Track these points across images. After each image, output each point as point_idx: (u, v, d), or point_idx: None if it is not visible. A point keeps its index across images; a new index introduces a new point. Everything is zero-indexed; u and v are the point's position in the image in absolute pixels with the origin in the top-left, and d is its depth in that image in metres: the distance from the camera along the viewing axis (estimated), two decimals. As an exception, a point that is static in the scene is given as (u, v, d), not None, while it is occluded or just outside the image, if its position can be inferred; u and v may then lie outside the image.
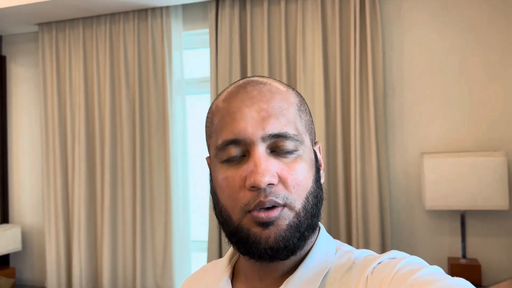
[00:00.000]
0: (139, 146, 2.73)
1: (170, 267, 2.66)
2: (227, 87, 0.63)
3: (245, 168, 0.56)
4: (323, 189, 0.62)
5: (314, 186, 0.59)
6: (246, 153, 0.57)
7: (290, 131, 0.57)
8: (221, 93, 0.62)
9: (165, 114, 2.70)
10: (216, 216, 0.61)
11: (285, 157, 0.57)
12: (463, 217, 2.20)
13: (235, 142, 0.56)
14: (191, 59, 2.92)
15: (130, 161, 2.77)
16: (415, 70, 2.41)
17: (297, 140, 0.57)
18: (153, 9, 2.75)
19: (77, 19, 2.94)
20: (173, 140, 2.69)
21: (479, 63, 2.33)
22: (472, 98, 2.33)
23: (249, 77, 0.63)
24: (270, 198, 0.54)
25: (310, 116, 0.64)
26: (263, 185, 0.53)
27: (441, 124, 2.37)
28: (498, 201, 2.05)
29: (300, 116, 0.60)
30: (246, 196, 0.55)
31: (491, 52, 2.32)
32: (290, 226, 0.55)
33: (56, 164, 2.92)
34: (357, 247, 2.29)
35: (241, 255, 0.64)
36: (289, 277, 0.58)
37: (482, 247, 2.31)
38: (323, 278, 0.59)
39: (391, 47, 2.45)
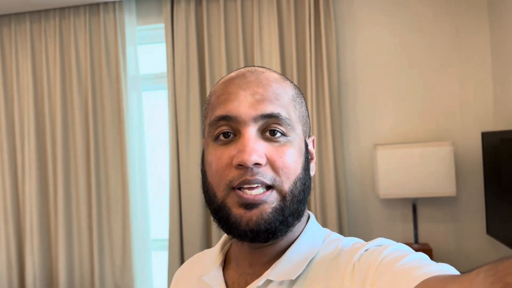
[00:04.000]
0: (93, 144, 2.65)
1: (129, 267, 2.61)
2: (229, 73, 0.65)
3: (234, 147, 0.56)
4: (312, 180, 0.63)
5: (303, 173, 0.59)
6: (237, 133, 0.57)
7: (282, 113, 0.57)
8: (221, 78, 0.64)
9: (120, 111, 2.64)
10: (203, 195, 0.61)
11: (276, 141, 0.57)
12: (414, 205, 2.31)
13: (226, 118, 0.57)
14: (146, 55, 2.87)
15: (84, 160, 2.69)
16: (367, 65, 2.50)
17: (289, 125, 0.58)
18: (106, 3, 2.68)
19: (24, 13, 2.81)
20: (129, 137, 2.64)
21: (427, 58, 2.45)
22: (421, 92, 2.45)
23: (251, 66, 0.64)
24: (256, 177, 0.55)
25: (307, 110, 0.65)
26: (249, 163, 0.54)
27: (392, 117, 2.48)
28: (446, 188, 2.16)
29: (295, 106, 0.61)
30: (232, 173, 0.56)
31: (438, 48, 2.44)
32: (275, 209, 0.56)
33: (4, 165, 2.78)
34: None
35: (232, 243, 0.67)
36: (276, 262, 0.59)
37: (432, 232, 2.44)
38: (309, 263, 0.59)
39: (345, 44, 2.52)
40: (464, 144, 2.40)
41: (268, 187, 0.56)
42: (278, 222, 0.56)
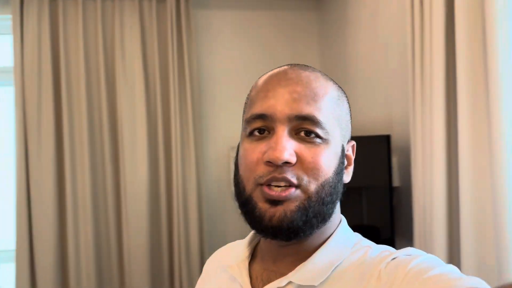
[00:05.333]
0: None
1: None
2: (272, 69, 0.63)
3: (267, 144, 0.57)
4: (344, 187, 0.61)
5: (334, 177, 0.58)
6: (271, 130, 0.58)
7: (318, 116, 0.57)
8: (264, 73, 0.64)
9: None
10: (234, 187, 0.62)
11: (308, 142, 0.57)
12: None
13: (262, 116, 0.58)
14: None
15: None
16: (223, 76, 2.76)
17: (324, 128, 0.57)
18: None
19: None
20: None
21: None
22: None
23: (295, 63, 0.64)
24: (284, 175, 0.55)
25: (349, 113, 0.64)
26: (279, 161, 0.54)
27: None
28: None
29: (334, 108, 0.60)
30: (261, 169, 0.56)
31: (276, 64, 2.80)
32: (298, 207, 0.56)
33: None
34: (178, 231, 2.51)
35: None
36: (301, 264, 0.59)
37: None
38: (334, 269, 0.58)
39: (204, 54, 2.73)
40: None
41: (295, 186, 0.56)
42: (301, 222, 0.56)
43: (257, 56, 2.79)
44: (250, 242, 0.68)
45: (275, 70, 0.62)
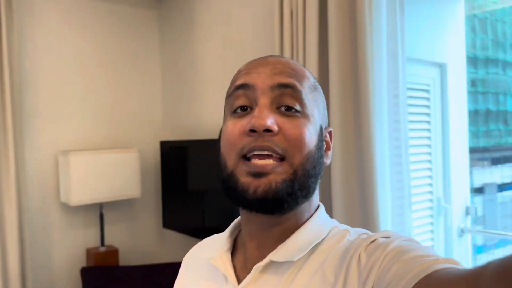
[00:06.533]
0: None
1: None
2: None
3: (249, 118, 0.57)
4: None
5: (316, 151, 0.59)
6: (254, 104, 0.58)
7: (299, 87, 0.59)
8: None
9: None
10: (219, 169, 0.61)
11: (290, 115, 0.58)
12: (101, 209, 2.40)
13: (243, 86, 0.59)
14: None
15: None
16: (49, 70, 2.38)
17: (303, 102, 0.58)
18: None
19: None
20: None
21: (103, 70, 2.56)
22: (103, 101, 2.54)
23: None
24: (267, 144, 0.55)
25: (324, 102, 0.66)
26: (261, 127, 0.54)
27: (78, 124, 2.46)
28: (132, 191, 2.39)
29: (312, 90, 0.62)
30: (243, 141, 0.56)
31: (119, 62, 2.60)
32: (284, 180, 0.55)
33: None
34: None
35: (241, 226, 0.67)
36: (281, 244, 0.60)
37: (119, 234, 2.58)
38: (313, 248, 0.60)
39: (26, 42, 2.31)
40: (147, 150, 2.68)
41: (279, 159, 0.56)
42: (286, 194, 0.56)
43: (90, 49, 2.50)
44: (231, 235, 0.69)
45: (255, 58, 0.64)
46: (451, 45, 1.88)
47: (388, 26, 1.43)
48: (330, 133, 0.67)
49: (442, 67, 1.85)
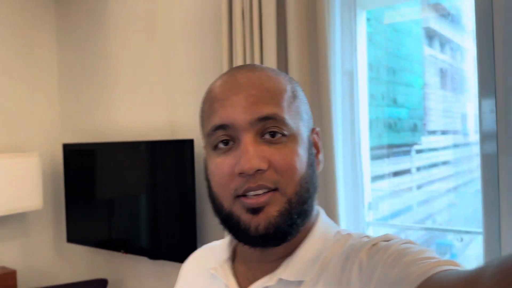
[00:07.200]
0: None
1: None
2: (219, 77, 0.62)
3: (234, 155, 0.55)
4: (319, 176, 0.62)
5: (308, 171, 0.58)
6: (236, 139, 0.56)
7: (280, 113, 0.56)
8: (212, 82, 0.61)
9: None
10: (211, 204, 0.60)
11: (276, 142, 0.56)
12: None
13: (223, 127, 0.56)
14: None
15: None
16: None
17: (288, 125, 0.57)
18: None
19: None
20: None
21: (6, 71, 2.28)
22: (2, 103, 2.26)
23: (241, 66, 0.63)
24: (259, 183, 0.54)
25: (306, 102, 0.64)
26: (251, 171, 0.53)
27: None
28: (33, 202, 2.07)
29: (292, 102, 0.59)
30: (235, 182, 0.55)
31: (12, 61, 2.32)
32: (281, 213, 0.55)
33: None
34: None
35: None
36: (288, 259, 0.59)
37: (19, 251, 2.24)
38: (321, 261, 0.59)
39: None
40: (49, 155, 2.40)
41: (272, 190, 0.55)
42: (286, 226, 0.56)
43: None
44: (230, 243, 0.68)
45: (223, 78, 0.61)
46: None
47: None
48: (317, 133, 0.66)
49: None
